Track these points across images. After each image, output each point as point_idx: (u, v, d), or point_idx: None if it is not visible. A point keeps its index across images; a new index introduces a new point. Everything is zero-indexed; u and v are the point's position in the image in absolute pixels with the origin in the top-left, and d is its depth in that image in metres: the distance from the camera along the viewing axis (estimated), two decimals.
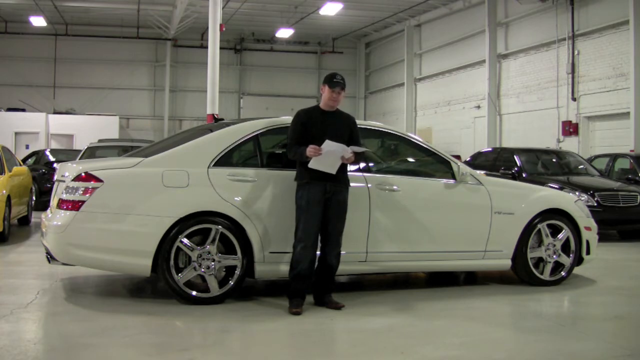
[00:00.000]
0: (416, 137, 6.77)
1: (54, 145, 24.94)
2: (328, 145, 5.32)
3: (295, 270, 5.43)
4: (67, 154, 16.57)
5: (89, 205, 5.37)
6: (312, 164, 5.35)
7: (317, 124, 5.50)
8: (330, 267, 5.55)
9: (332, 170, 5.38)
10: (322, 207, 5.42)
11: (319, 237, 5.49)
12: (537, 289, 6.50)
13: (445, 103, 24.81)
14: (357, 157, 5.59)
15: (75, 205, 5.38)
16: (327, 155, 5.33)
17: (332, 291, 5.66)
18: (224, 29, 15.33)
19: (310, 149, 5.32)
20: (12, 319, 4.99)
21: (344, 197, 5.52)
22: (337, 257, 5.55)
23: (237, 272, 5.58)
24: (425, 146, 6.60)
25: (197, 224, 5.49)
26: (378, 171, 6.26)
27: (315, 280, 5.59)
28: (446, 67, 24.63)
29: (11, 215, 9.70)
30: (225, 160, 5.75)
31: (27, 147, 24.14)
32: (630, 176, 12.42)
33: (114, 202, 5.43)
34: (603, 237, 8.43)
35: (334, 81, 5.53)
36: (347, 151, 5.37)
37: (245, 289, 5.95)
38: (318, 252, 5.53)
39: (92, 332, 4.71)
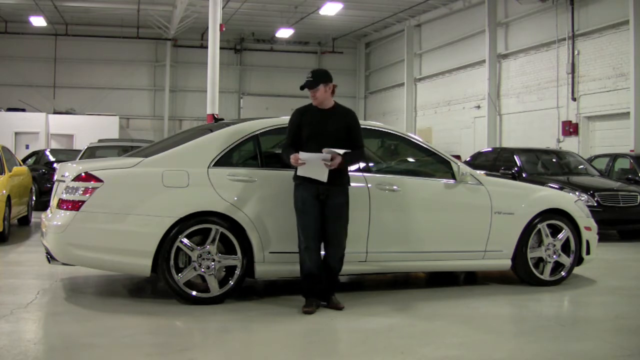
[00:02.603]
0: (416, 137, 6.77)
1: (54, 145, 24.94)
2: (303, 156, 5.26)
3: (303, 271, 5.44)
4: (67, 154, 16.56)
5: (89, 205, 5.37)
6: (300, 172, 5.34)
7: (310, 123, 5.46)
8: (331, 269, 5.52)
9: (323, 177, 5.27)
10: (319, 207, 5.38)
11: (323, 238, 5.47)
12: (537, 289, 6.50)
13: (445, 103, 24.81)
14: (352, 158, 5.46)
15: (75, 205, 5.38)
16: (310, 164, 5.26)
17: (335, 292, 5.63)
18: (224, 29, 15.32)
19: (292, 158, 5.30)
20: (12, 319, 4.99)
21: (340, 200, 5.43)
22: (339, 260, 5.51)
23: (237, 272, 5.58)
24: (425, 146, 6.60)
25: (197, 224, 5.49)
26: (378, 171, 6.26)
27: None
28: (446, 67, 24.63)
29: (11, 215, 9.70)
30: (225, 160, 5.75)
31: (27, 147, 24.13)
32: (630, 176, 12.42)
33: (114, 202, 5.43)
34: (603, 237, 8.43)
35: (304, 82, 5.52)
36: (327, 158, 5.24)
37: (245, 289, 5.95)
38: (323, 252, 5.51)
39: (92, 332, 4.71)
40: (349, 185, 5.57)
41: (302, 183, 5.39)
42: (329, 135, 5.40)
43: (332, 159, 5.26)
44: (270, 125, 6.05)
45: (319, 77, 5.51)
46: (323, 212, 5.41)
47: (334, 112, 5.55)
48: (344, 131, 5.47)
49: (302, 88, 5.56)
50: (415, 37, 26.73)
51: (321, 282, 5.49)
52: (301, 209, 5.39)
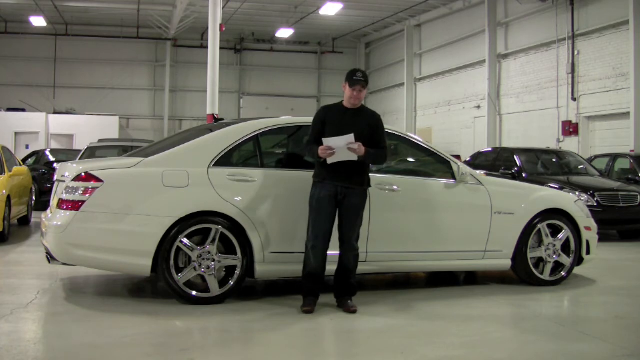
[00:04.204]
0: (416, 137, 6.76)
1: (54, 145, 24.92)
2: (328, 142, 5.25)
3: (306, 269, 5.44)
4: (67, 154, 16.56)
5: (89, 205, 5.37)
6: (330, 161, 5.30)
7: (335, 122, 5.41)
8: (346, 268, 5.50)
9: (353, 157, 5.28)
10: (334, 207, 5.38)
11: (338, 238, 5.47)
12: (537, 289, 6.50)
13: (445, 103, 24.81)
14: (375, 154, 5.40)
15: (75, 205, 5.38)
16: (339, 151, 5.25)
17: (352, 294, 5.56)
18: (224, 29, 15.33)
19: (321, 150, 5.27)
20: (12, 319, 4.99)
21: (357, 200, 5.42)
22: (354, 259, 5.50)
23: (237, 272, 5.58)
24: (425, 146, 6.60)
25: (197, 224, 5.49)
26: (378, 171, 6.24)
27: (335, 282, 5.59)
28: (446, 67, 24.63)
29: (11, 215, 9.70)
30: (225, 160, 5.75)
31: (27, 147, 24.11)
32: (630, 176, 12.42)
33: (114, 202, 5.43)
34: (603, 237, 8.43)
35: (354, 79, 5.42)
36: (351, 139, 5.21)
37: (245, 289, 5.95)
38: (334, 252, 5.50)
39: (92, 332, 4.71)
40: (369, 186, 5.55)
41: (321, 181, 5.37)
42: (354, 133, 5.34)
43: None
44: (270, 125, 6.05)
45: (367, 79, 5.52)
46: (337, 212, 5.40)
47: (360, 113, 5.54)
48: (369, 132, 5.45)
49: (354, 80, 5.40)
50: (415, 37, 26.73)
51: (322, 283, 5.49)
52: (315, 207, 5.37)
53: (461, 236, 6.36)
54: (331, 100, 35.72)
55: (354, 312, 5.39)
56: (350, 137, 5.26)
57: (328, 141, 5.26)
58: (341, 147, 5.24)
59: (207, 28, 15.40)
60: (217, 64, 15.02)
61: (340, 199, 5.38)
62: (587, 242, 6.84)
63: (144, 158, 5.72)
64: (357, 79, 5.43)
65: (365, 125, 5.46)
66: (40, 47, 27.98)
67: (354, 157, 5.29)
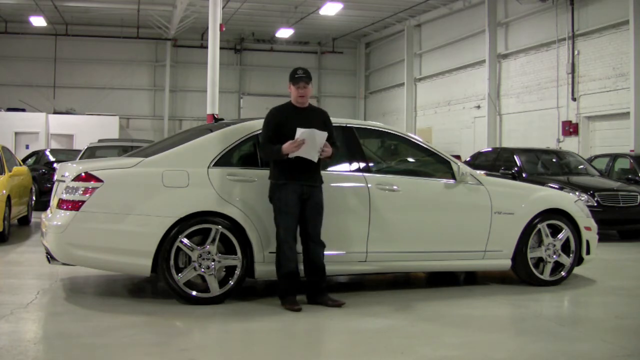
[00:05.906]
0: (416, 137, 6.77)
1: (54, 145, 24.90)
2: (300, 133, 5.30)
3: (287, 269, 5.46)
4: (67, 154, 16.56)
5: (89, 205, 5.37)
6: (293, 155, 5.36)
7: (291, 121, 5.49)
8: (318, 266, 5.57)
9: (314, 157, 5.39)
10: (300, 208, 5.46)
11: (302, 238, 5.57)
12: (537, 289, 6.50)
13: (445, 103, 24.81)
14: (336, 158, 5.67)
15: (75, 205, 5.38)
16: (308, 145, 5.33)
17: (326, 290, 5.66)
18: (224, 29, 15.32)
19: (286, 146, 5.32)
20: (12, 319, 4.99)
21: (321, 198, 5.56)
22: (323, 255, 5.59)
23: (237, 272, 5.59)
24: (425, 146, 6.60)
25: (197, 224, 5.49)
26: (378, 171, 6.26)
27: (308, 282, 5.62)
28: (446, 67, 24.63)
29: (11, 215, 9.70)
30: (225, 160, 5.75)
31: (27, 147, 24.10)
32: (630, 176, 12.42)
33: (114, 202, 5.44)
34: (603, 237, 8.43)
35: (296, 77, 5.55)
36: (323, 135, 5.35)
37: (245, 289, 5.95)
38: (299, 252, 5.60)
39: (92, 332, 4.71)
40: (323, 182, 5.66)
41: (285, 183, 5.42)
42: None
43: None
44: None
45: (310, 75, 5.64)
46: (302, 212, 5.48)
47: (311, 110, 5.69)
48: (322, 129, 5.53)
49: (297, 77, 5.54)
50: (415, 37, 26.73)
51: (299, 280, 5.56)
52: (285, 210, 5.44)
53: (461, 236, 6.36)
54: (332, 100, 35.34)
55: (343, 304, 5.49)
56: (325, 134, 5.38)
57: (303, 132, 5.29)
58: (311, 141, 5.31)
59: (207, 28, 15.39)
60: (217, 64, 15.01)
61: (305, 198, 5.45)
62: (587, 242, 6.84)
63: (144, 158, 5.73)
64: (299, 76, 5.55)
65: (321, 123, 5.58)
66: (40, 47, 27.97)
67: (315, 157, 5.39)
